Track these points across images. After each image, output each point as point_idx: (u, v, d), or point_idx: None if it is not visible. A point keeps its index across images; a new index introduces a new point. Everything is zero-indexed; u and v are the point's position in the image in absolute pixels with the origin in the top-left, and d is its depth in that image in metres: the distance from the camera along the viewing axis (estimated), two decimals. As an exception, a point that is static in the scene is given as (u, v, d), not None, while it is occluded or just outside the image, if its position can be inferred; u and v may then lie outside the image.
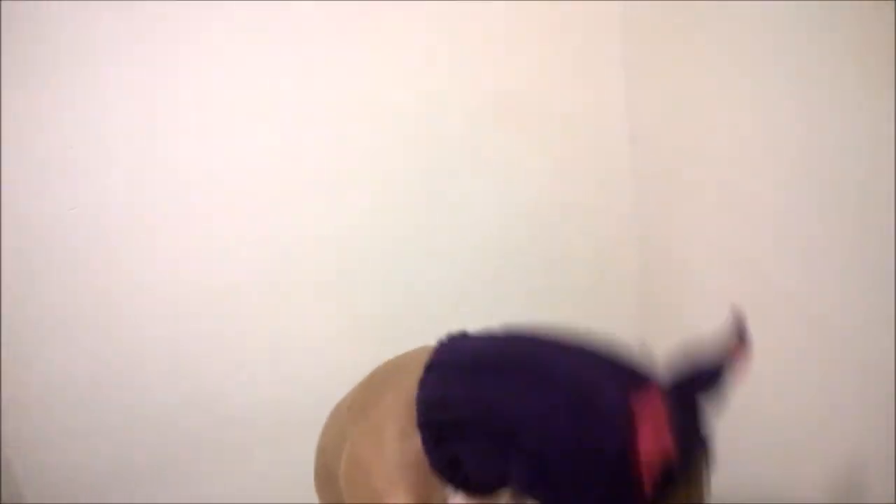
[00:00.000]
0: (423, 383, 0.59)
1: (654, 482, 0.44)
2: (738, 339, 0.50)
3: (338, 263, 1.01)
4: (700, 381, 0.49)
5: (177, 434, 1.02)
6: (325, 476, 0.72)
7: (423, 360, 0.62)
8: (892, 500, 0.70)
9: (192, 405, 1.01)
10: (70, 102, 0.88)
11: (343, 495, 0.64)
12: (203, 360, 1.00)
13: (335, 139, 0.98)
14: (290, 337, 1.03)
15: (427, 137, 1.01)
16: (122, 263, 0.93)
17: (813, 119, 0.71)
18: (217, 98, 0.93)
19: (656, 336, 1.10)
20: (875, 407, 0.70)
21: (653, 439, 0.43)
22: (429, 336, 0.67)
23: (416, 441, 0.59)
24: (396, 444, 0.59)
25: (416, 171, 1.02)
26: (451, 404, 0.57)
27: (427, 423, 0.58)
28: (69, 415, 0.97)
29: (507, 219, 1.07)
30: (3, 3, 0.80)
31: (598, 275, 1.13)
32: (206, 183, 0.94)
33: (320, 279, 1.01)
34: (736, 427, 0.84)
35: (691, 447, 0.48)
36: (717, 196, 0.92)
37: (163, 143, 0.92)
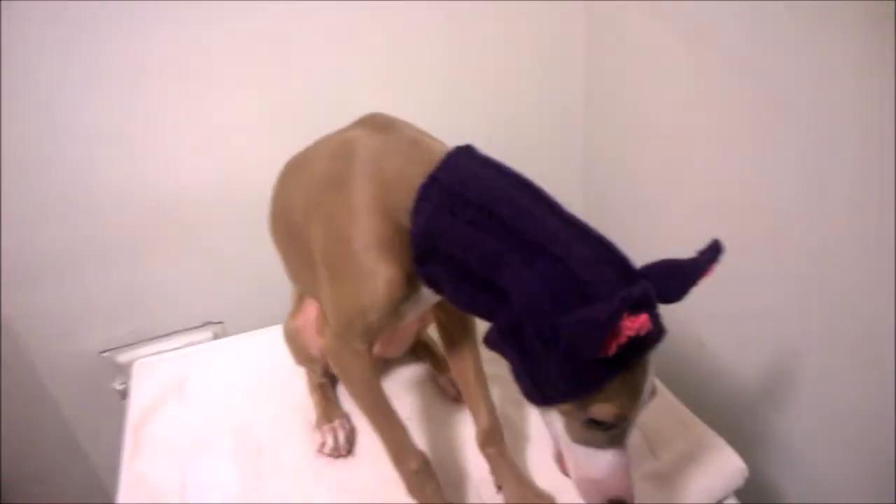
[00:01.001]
0: (426, 194, 0.56)
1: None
2: (713, 260, 0.52)
3: (272, 50, 1.00)
4: (674, 285, 0.51)
5: (128, 214, 1.04)
6: (288, 230, 0.73)
7: (399, 142, 0.62)
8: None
9: (140, 187, 1.03)
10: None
11: (319, 260, 0.65)
12: (149, 142, 1.00)
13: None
14: (233, 121, 1.03)
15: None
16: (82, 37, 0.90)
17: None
18: None
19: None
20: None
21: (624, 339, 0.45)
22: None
23: (393, 223, 0.59)
24: (376, 224, 0.59)
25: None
26: (447, 238, 0.55)
27: (417, 241, 0.57)
28: (23, 197, 0.98)
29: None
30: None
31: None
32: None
33: (259, 63, 1.00)
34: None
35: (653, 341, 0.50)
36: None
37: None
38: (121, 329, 1.14)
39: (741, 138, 0.81)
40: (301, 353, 0.83)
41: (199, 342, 1.11)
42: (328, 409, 0.83)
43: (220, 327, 1.18)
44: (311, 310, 0.82)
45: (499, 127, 1.16)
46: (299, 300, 0.84)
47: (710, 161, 0.88)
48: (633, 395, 0.51)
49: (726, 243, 0.52)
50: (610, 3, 1.02)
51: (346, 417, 0.83)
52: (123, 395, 1.20)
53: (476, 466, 0.75)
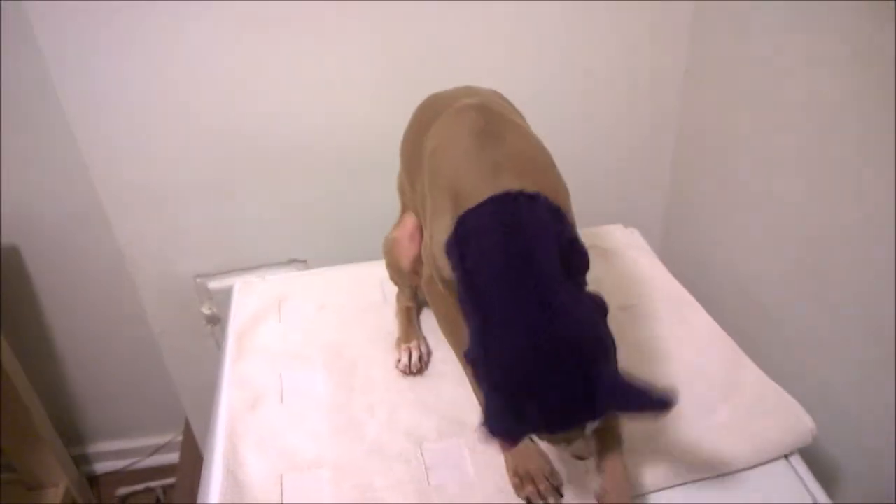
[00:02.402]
0: (456, 225, 0.64)
1: None
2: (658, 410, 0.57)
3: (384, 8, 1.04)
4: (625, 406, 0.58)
5: (230, 155, 1.13)
6: (412, 159, 0.80)
7: (489, 157, 0.66)
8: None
9: (243, 131, 1.11)
10: None
11: (426, 189, 0.73)
12: (254, 91, 1.08)
13: None
14: (335, 73, 1.09)
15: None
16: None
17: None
18: None
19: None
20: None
21: None
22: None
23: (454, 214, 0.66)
24: (448, 208, 0.66)
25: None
26: (452, 269, 0.65)
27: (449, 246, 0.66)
28: (144, 132, 1.08)
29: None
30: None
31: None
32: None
33: (365, 17, 1.05)
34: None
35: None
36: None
37: None
38: (215, 258, 1.24)
39: (844, 149, 0.82)
40: (393, 264, 0.90)
41: (285, 276, 1.18)
42: (409, 330, 0.90)
43: (303, 265, 1.26)
44: (409, 222, 0.88)
45: (591, 120, 1.20)
46: (403, 212, 0.91)
47: (804, 170, 0.89)
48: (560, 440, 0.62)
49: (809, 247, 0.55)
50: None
51: (422, 340, 0.89)
52: (210, 319, 1.30)
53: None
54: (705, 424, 0.76)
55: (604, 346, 0.58)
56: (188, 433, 1.52)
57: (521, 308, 0.57)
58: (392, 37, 1.08)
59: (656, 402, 0.56)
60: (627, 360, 0.83)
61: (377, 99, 1.10)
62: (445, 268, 0.67)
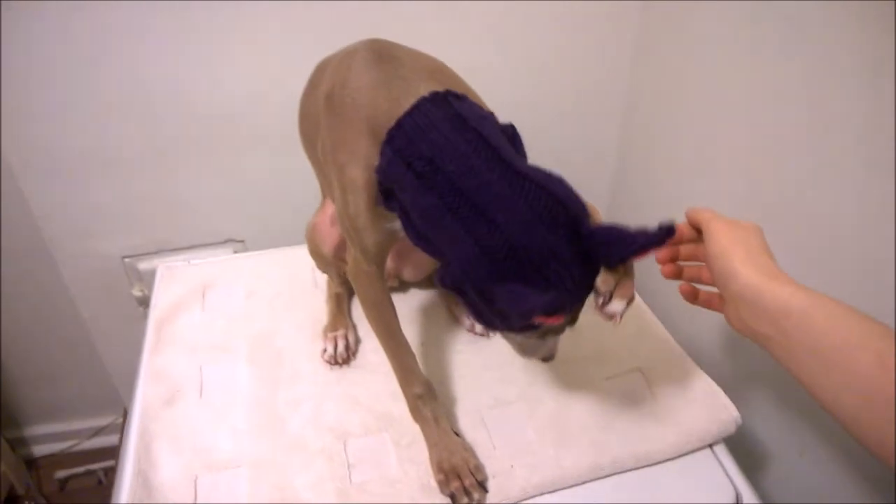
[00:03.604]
0: (390, 138, 0.59)
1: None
2: (655, 243, 0.53)
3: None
4: (612, 252, 0.54)
5: (160, 125, 1.05)
6: (307, 136, 0.79)
7: (392, 77, 0.62)
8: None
9: (178, 101, 1.04)
10: None
11: (324, 172, 0.73)
12: (192, 53, 1.00)
13: None
14: (273, 39, 1.03)
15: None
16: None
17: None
18: None
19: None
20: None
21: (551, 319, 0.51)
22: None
23: (377, 146, 0.61)
24: (361, 144, 0.61)
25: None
26: (398, 187, 0.59)
27: (379, 181, 0.61)
28: (61, 96, 0.99)
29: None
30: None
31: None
32: None
33: None
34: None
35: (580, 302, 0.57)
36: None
37: None
38: (145, 237, 1.17)
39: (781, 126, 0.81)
40: (315, 251, 0.87)
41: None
42: (337, 318, 0.87)
43: (240, 245, 1.21)
44: (329, 207, 0.84)
45: (537, 90, 1.17)
46: (324, 198, 0.87)
47: (745, 147, 0.89)
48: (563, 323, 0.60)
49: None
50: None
51: (351, 328, 0.86)
52: (141, 301, 1.24)
53: (480, 395, 0.78)
54: (630, 415, 0.76)
55: (582, 203, 0.55)
56: (127, 415, 1.48)
57: (506, 184, 0.53)
58: (339, 9, 1.01)
59: (654, 236, 0.52)
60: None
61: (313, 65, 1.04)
62: (368, 224, 0.64)
